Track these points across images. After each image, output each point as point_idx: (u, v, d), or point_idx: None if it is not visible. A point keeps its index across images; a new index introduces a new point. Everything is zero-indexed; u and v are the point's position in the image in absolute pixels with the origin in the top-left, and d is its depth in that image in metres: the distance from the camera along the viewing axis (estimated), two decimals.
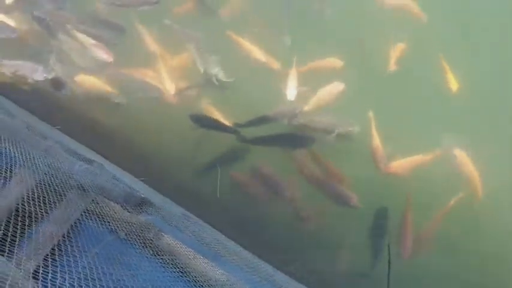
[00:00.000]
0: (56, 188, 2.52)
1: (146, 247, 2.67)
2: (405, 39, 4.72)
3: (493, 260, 3.98)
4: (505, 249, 4.03)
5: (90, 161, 3.21)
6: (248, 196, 4.28)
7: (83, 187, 2.71)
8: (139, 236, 2.68)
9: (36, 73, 4.43)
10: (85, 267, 2.02)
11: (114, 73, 4.57)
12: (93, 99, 4.49)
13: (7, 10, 4.77)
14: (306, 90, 4.58)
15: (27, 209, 2.16)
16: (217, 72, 4.54)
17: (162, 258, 2.59)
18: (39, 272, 1.82)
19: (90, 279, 1.94)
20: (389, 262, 3.52)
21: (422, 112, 4.52)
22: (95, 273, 2.01)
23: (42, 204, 2.30)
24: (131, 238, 2.62)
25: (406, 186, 4.21)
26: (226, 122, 4.43)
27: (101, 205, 2.72)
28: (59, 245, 2.18)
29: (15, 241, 1.90)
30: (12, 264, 1.75)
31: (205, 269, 2.71)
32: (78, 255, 2.12)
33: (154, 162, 4.24)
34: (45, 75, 4.43)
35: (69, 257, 2.07)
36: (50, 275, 1.79)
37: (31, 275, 1.76)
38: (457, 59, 4.61)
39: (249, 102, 4.49)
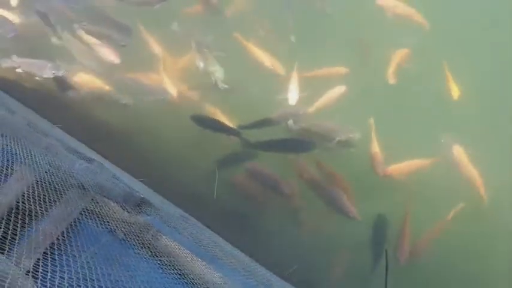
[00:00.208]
0: (56, 186, 2.52)
1: (144, 248, 2.66)
2: (408, 47, 4.73)
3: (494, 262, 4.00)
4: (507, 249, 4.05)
5: (90, 160, 3.20)
6: (246, 198, 4.28)
7: (82, 186, 2.70)
8: (138, 236, 2.68)
9: (45, 70, 4.41)
10: (83, 267, 2.02)
11: (119, 74, 4.57)
12: (95, 98, 4.49)
13: (11, 6, 4.76)
14: (308, 94, 4.59)
15: (27, 207, 2.15)
16: (215, 72, 4.55)
17: (160, 260, 2.59)
18: (38, 271, 1.81)
19: (88, 279, 1.94)
20: (386, 267, 3.54)
21: (423, 118, 4.53)
22: (94, 273, 2.00)
23: (42, 202, 2.29)
24: (130, 238, 2.61)
25: (405, 192, 4.21)
26: (229, 124, 4.44)
27: (100, 204, 2.72)
28: (58, 243, 2.17)
29: (15, 239, 1.90)
30: (12, 263, 1.74)
31: (202, 271, 2.70)
32: (77, 254, 2.12)
33: (154, 163, 4.24)
34: (53, 71, 4.42)
35: (68, 256, 2.06)
36: (48, 274, 1.78)
37: (30, 274, 1.75)
38: (459, 67, 4.62)
39: (251, 105, 4.50)
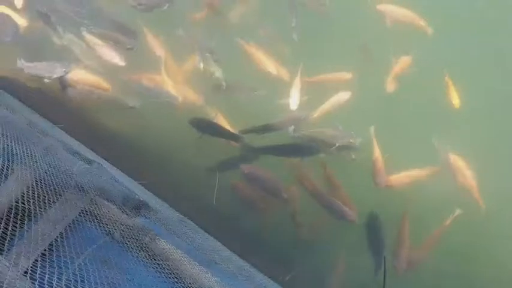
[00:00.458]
0: (56, 187, 2.51)
1: (142, 250, 2.66)
2: (409, 54, 4.74)
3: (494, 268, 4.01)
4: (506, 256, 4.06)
5: (90, 161, 3.20)
6: (245, 203, 4.28)
7: (82, 187, 2.70)
8: (136, 239, 2.67)
9: (55, 70, 4.41)
10: (81, 269, 2.01)
11: (124, 76, 4.58)
12: (98, 100, 4.50)
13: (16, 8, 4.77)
14: (309, 99, 4.59)
15: (26, 207, 2.15)
16: (215, 73, 4.57)
17: (157, 263, 2.59)
18: (35, 272, 1.81)
19: (86, 281, 1.93)
20: (384, 274, 3.53)
21: (423, 126, 4.53)
22: (91, 275, 2.00)
23: (41, 203, 2.29)
24: (127, 241, 2.61)
25: (404, 200, 4.21)
26: (228, 129, 4.43)
27: (99, 206, 2.72)
28: (56, 244, 2.17)
29: (14, 240, 1.89)
30: (10, 264, 1.74)
31: (199, 276, 2.69)
32: (75, 256, 2.11)
33: (154, 166, 4.24)
34: (64, 69, 4.42)
35: (66, 257, 2.06)
36: (46, 276, 1.77)
37: (29, 275, 1.74)
38: (460, 75, 4.62)
39: (254, 109, 4.51)
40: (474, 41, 4.78)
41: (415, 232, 4.13)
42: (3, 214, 2.08)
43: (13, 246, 1.93)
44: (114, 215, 2.76)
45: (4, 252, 1.82)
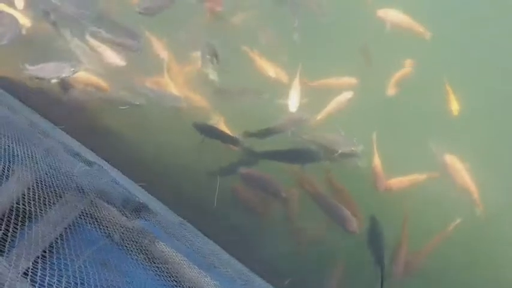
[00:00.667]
0: (56, 188, 2.51)
1: (141, 253, 2.66)
2: (410, 60, 4.75)
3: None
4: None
5: (90, 163, 3.20)
6: (245, 207, 4.27)
7: (82, 189, 2.70)
8: (136, 241, 2.68)
9: (64, 70, 4.33)
10: (81, 271, 2.01)
11: (128, 80, 4.59)
12: (102, 100, 4.50)
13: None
14: (310, 101, 4.59)
15: (27, 208, 2.15)
16: (210, 75, 4.57)
17: (156, 266, 2.58)
18: (35, 274, 1.81)
19: (86, 283, 1.93)
20: (382, 279, 3.52)
21: (424, 133, 4.53)
22: (91, 277, 1.99)
23: (42, 204, 2.29)
24: (127, 243, 2.61)
25: (404, 206, 4.21)
26: (230, 133, 4.43)
27: (98, 208, 2.72)
28: (56, 246, 2.17)
29: (14, 241, 1.89)
30: (11, 266, 1.73)
31: (199, 279, 2.69)
32: (75, 258, 2.11)
33: (155, 168, 4.24)
34: (72, 69, 4.35)
35: (66, 259, 2.06)
36: (46, 278, 1.77)
37: (29, 277, 1.74)
38: (460, 81, 4.63)
39: (255, 112, 4.52)
40: (474, 44, 4.80)
41: (415, 237, 4.13)
42: (3, 215, 2.07)
43: (13, 247, 1.92)
44: (114, 217, 2.77)
45: (5, 254, 1.82)
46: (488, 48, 4.83)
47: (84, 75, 4.50)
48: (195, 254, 2.87)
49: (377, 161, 4.37)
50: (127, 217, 2.84)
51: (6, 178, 2.35)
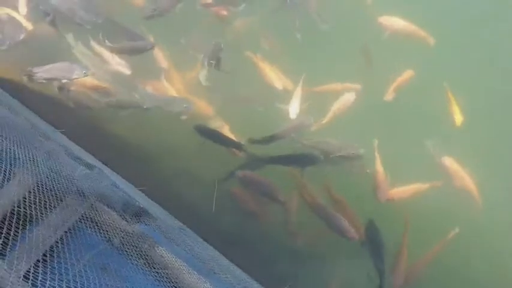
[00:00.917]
0: (57, 192, 2.51)
1: (140, 258, 2.65)
2: (411, 66, 4.75)
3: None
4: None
5: (91, 167, 3.20)
6: (244, 212, 4.27)
7: (82, 192, 2.70)
8: (135, 246, 2.67)
9: (75, 71, 4.27)
10: (81, 275, 2.01)
11: (133, 85, 4.61)
12: (101, 105, 4.51)
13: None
14: (309, 107, 4.60)
15: (28, 212, 2.14)
16: (199, 74, 4.61)
17: (156, 271, 2.58)
18: (36, 278, 1.80)
19: (86, 287, 1.92)
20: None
21: (424, 134, 4.53)
22: (91, 282, 1.99)
23: (42, 208, 2.28)
24: (127, 248, 2.60)
25: (404, 215, 4.20)
26: (232, 137, 4.44)
27: (99, 212, 2.71)
28: (57, 250, 2.16)
29: (15, 244, 1.89)
30: (11, 269, 1.73)
31: (198, 285, 2.69)
32: (74, 262, 2.11)
33: (155, 172, 4.24)
34: (84, 71, 4.29)
35: (66, 263, 2.05)
36: (47, 282, 1.76)
37: (30, 281, 1.73)
38: (462, 88, 4.63)
39: (258, 118, 4.53)
40: (474, 44, 4.81)
41: (414, 247, 4.12)
42: (4, 218, 2.07)
43: (14, 251, 1.91)
44: (114, 221, 2.76)
45: (6, 258, 1.81)
46: (488, 49, 4.85)
47: (88, 79, 4.49)
48: (195, 260, 2.87)
49: (379, 169, 4.36)
50: (127, 221, 2.83)
51: (7, 181, 2.34)
